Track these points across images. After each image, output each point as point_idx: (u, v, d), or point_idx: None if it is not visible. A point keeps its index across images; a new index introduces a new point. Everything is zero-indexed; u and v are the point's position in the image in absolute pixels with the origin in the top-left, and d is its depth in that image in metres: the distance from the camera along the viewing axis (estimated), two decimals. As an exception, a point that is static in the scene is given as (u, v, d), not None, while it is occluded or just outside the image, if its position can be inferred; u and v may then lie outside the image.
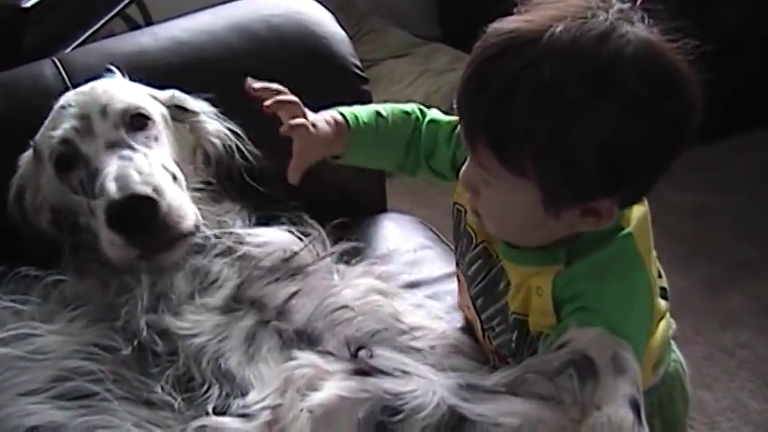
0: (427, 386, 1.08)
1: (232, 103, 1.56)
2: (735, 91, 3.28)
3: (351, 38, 1.81)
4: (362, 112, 1.37)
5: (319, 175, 1.34)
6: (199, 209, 1.38)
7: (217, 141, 1.49)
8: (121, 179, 1.25)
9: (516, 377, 1.09)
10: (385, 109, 1.38)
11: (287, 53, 1.71)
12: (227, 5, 1.81)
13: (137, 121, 1.38)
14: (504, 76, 1.02)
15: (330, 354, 1.16)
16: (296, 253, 1.35)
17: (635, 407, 1.02)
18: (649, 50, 1.03)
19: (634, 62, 1.01)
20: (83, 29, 2.58)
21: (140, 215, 1.25)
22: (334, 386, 1.09)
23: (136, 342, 1.17)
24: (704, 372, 2.41)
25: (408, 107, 1.39)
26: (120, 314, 1.20)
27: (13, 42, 2.26)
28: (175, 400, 1.12)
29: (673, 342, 1.31)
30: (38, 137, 1.42)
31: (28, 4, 2.28)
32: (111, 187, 1.25)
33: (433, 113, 1.38)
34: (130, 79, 1.52)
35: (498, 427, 1.04)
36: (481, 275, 1.24)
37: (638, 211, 1.18)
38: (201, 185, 1.47)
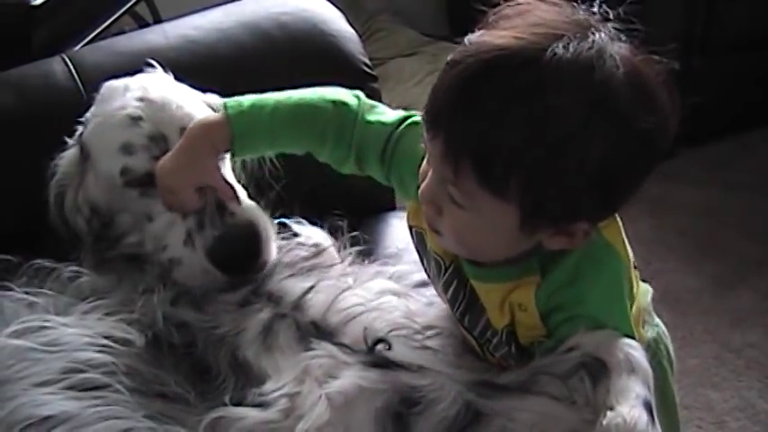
0: (443, 381, 1.09)
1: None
2: (744, 90, 3.28)
3: (360, 36, 1.82)
4: (252, 97, 1.33)
5: (327, 174, 1.34)
6: None
7: None
8: (218, 222, 1.28)
9: (528, 378, 1.10)
10: (297, 93, 1.33)
11: (296, 51, 1.71)
12: (237, 3, 1.81)
13: None
14: (499, 98, 0.99)
15: (347, 346, 1.16)
16: (319, 251, 1.36)
17: (648, 407, 1.02)
18: (635, 72, 1.02)
19: (626, 87, 1.00)
20: (91, 26, 2.58)
21: (246, 256, 1.28)
22: (354, 375, 1.10)
23: (150, 334, 1.17)
24: (712, 371, 2.41)
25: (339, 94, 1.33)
26: (137, 307, 1.20)
27: (22, 40, 2.26)
28: (189, 393, 1.12)
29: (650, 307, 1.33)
30: (89, 136, 1.38)
31: (37, 2, 2.28)
32: (211, 232, 1.27)
33: (368, 113, 1.32)
34: (175, 78, 1.49)
35: (513, 422, 1.05)
36: (460, 296, 1.22)
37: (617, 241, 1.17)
38: None
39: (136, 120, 1.34)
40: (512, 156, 0.99)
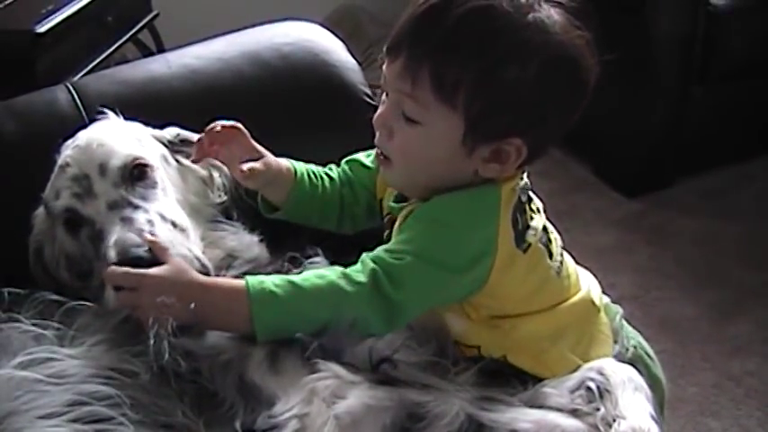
0: (447, 397, 1.13)
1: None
2: (743, 118, 3.30)
3: (360, 64, 1.83)
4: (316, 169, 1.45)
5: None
6: (216, 243, 1.41)
7: (224, 167, 1.50)
8: (120, 243, 1.27)
9: (533, 394, 1.18)
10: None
11: (298, 81, 1.72)
12: (240, 33, 1.82)
13: (136, 172, 1.38)
14: (455, 18, 1.15)
15: (353, 366, 1.18)
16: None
17: (655, 421, 1.11)
18: (567, 26, 1.19)
19: (561, 21, 1.18)
20: (95, 54, 2.61)
21: None
22: (360, 394, 1.12)
23: (156, 366, 1.17)
24: (712, 400, 2.41)
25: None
26: (142, 339, 1.20)
27: (26, 67, 2.28)
28: (195, 422, 1.13)
29: (628, 326, 1.40)
30: (46, 193, 1.42)
31: (42, 30, 2.31)
32: (111, 254, 1.26)
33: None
34: (126, 118, 1.51)
35: None
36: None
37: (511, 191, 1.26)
38: (220, 218, 1.48)
39: (64, 167, 1.39)
40: (463, 64, 1.16)
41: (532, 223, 1.26)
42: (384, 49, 1.23)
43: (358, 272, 1.19)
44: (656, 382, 1.35)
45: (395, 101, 1.22)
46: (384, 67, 1.23)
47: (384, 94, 1.25)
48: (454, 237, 1.20)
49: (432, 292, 1.21)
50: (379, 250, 1.22)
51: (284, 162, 1.42)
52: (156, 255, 1.24)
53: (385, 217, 1.39)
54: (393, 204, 1.33)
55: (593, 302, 1.31)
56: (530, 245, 1.24)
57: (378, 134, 1.26)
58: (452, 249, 1.19)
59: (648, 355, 1.39)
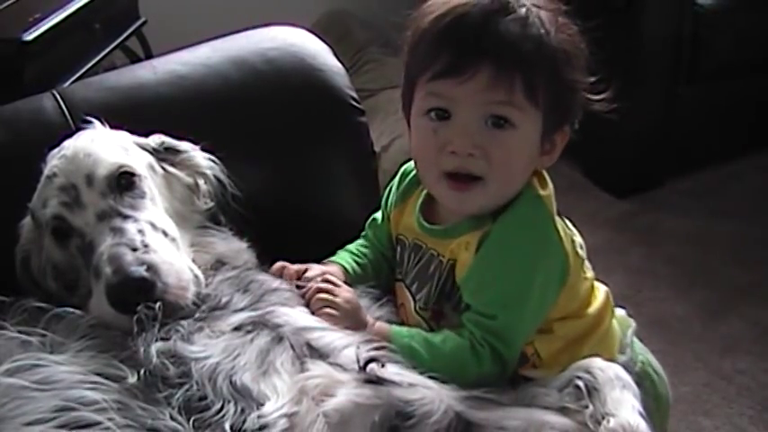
0: (435, 395, 1.15)
1: (229, 134, 1.59)
2: (731, 118, 3.31)
3: (349, 69, 1.83)
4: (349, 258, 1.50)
5: (314, 204, 1.33)
6: (206, 249, 1.43)
7: (209, 173, 1.51)
8: (115, 261, 1.27)
9: (522, 393, 1.20)
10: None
11: (283, 86, 1.72)
12: (226, 39, 1.82)
13: (124, 180, 1.38)
14: (519, 23, 1.22)
15: (341, 366, 1.19)
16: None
17: (644, 417, 1.13)
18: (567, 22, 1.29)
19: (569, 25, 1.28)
20: (83, 62, 2.60)
21: (138, 297, 1.26)
22: (349, 393, 1.13)
23: (143, 370, 1.17)
24: (704, 398, 2.43)
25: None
26: (129, 345, 1.21)
27: (13, 75, 2.28)
28: (184, 425, 1.12)
29: (638, 342, 1.42)
30: (33, 203, 1.42)
31: (29, 38, 2.30)
32: (107, 271, 1.26)
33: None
34: (112, 125, 1.51)
35: (504, 430, 1.12)
36: (417, 266, 1.37)
37: (547, 190, 1.32)
38: (208, 224, 1.49)
39: (51, 177, 1.39)
40: (542, 66, 1.22)
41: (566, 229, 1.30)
42: (430, 72, 1.26)
43: (466, 338, 1.27)
44: (660, 399, 1.36)
45: (480, 115, 1.23)
46: (434, 88, 1.26)
47: (429, 116, 1.28)
48: (532, 264, 1.25)
49: (535, 322, 1.27)
50: (475, 316, 1.27)
51: (334, 267, 1.45)
52: (152, 273, 1.26)
53: (396, 238, 1.44)
54: (427, 226, 1.36)
55: (608, 299, 1.35)
56: (580, 246, 1.30)
57: (458, 158, 1.26)
58: (535, 277, 1.24)
59: (656, 372, 1.40)
